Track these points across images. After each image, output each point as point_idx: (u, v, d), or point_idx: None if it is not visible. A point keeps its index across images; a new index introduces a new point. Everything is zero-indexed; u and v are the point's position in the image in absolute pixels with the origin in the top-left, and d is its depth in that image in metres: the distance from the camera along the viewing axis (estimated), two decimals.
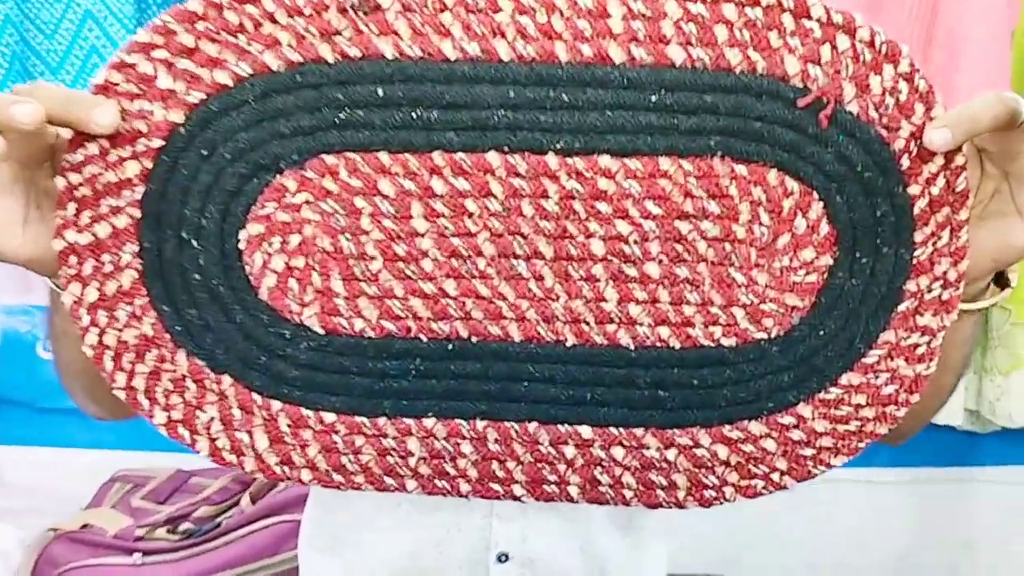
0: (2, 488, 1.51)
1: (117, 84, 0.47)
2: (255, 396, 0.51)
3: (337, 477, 0.52)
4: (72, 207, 0.48)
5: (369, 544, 0.67)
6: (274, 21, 0.47)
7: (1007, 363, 1.54)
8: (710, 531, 1.60)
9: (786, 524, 1.69)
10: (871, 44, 0.46)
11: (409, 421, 0.51)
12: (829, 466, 0.51)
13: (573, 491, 0.52)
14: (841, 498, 1.69)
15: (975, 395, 1.60)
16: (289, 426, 0.51)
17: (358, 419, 0.51)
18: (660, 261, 0.49)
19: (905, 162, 0.47)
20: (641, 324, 0.50)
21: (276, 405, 0.51)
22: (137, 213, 0.49)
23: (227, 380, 0.51)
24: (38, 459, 1.52)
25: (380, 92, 0.47)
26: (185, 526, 1.24)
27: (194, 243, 0.49)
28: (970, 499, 1.74)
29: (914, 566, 1.73)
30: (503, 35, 0.47)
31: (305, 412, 0.51)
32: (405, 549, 0.66)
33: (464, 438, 0.51)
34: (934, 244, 0.49)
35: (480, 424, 0.51)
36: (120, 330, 0.50)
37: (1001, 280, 0.54)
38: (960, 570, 1.74)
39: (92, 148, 0.47)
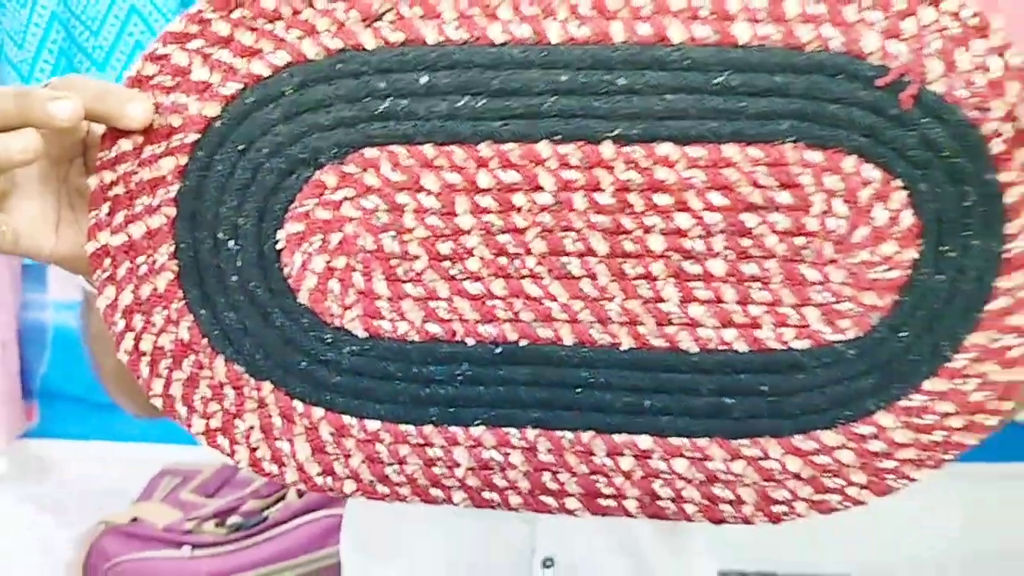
0: (53, 481, 1.53)
1: (151, 76, 0.46)
2: (296, 403, 0.49)
3: (382, 488, 0.50)
4: (106, 207, 0.47)
5: (408, 548, 0.66)
6: (312, 6, 0.45)
7: None
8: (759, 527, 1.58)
9: (846, 520, 1.67)
10: (957, 16, 0.43)
11: (456, 430, 0.48)
12: (911, 480, 0.47)
13: (631, 505, 0.49)
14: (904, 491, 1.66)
15: None
16: (332, 435, 0.49)
17: (403, 427, 0.49)
18: (725, 257, 0.46)
19: (997, 146, 0.44)
20: (704, 326, 0.46)
21: (318, 413, 0.49)
22: (172, 212, 0.47)
23: (267, 387, 0.49)
24: (88, 453, 1.54)
25: (424, 79, 0.45)
26: (233, 519, 1.25)
27: (231, 243, 0.47)
28: None
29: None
30: (554, 15, 0.45)
31: (348, 420, 0.49)
32: (447, 554, 0.65)
33: (514, 448, 0.48)
34: None
35: (531, 433, 0.48)
36: (156, 335, 0.48)
37: None
38: None
39: (126, 144, 0.46)
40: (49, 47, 1.29)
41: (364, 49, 0.45)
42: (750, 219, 0.45)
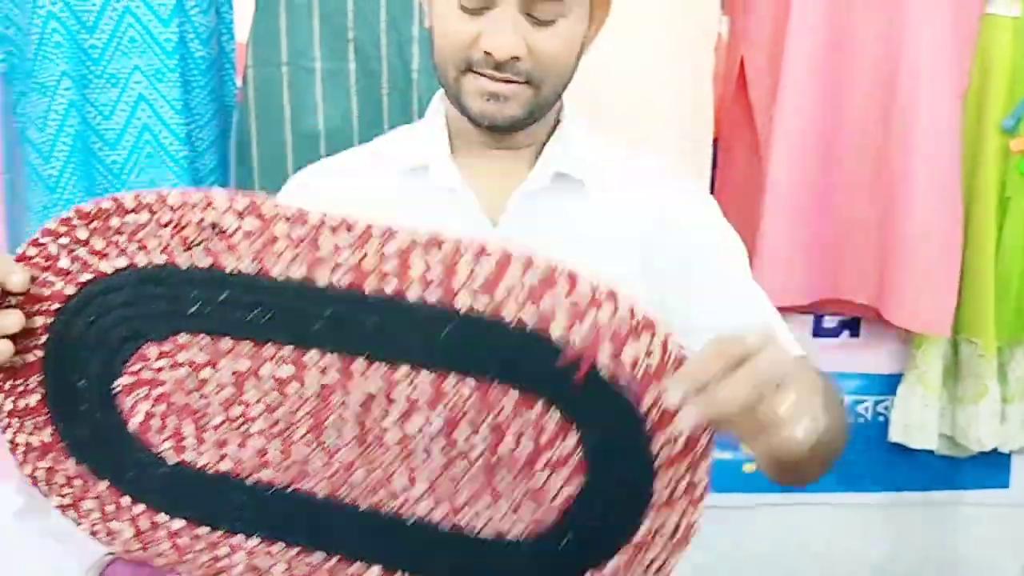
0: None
1: (32, 257, 0.62)
2: (124, 499, 0.64)
3: (182, 568, 0.65)
4: None
5: None
6: (145, 230, 0.60)
7: (975, 391, 1.65)
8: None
9: (763, 548, 1.75)
10: (632, 316, 0.53)
11: (239, 538, 0.63)
12: None
13: None
14: (821, 521, 1.76)
15: (950, 422, 1.70)
16: (149, 525, 0.64)
17: (198, 530, 0.63)
18: (444, 456, 0.58)
19: (651, 418, 0.53)
20: (419, 502, 0.59)
21: (139, 508, 0.64)
22: (40, 354, 0.63)
23: (103, 484, 0.64)
24: None
25: (224, 295, 0.59)
26: None
27: (81, 382, 0.63)
28: (952, 521, 1.82)
29: None
30: (323, 266, 0.57)
31: (160, 517, 0.64)
32: None
33: (278, 559, 0.62)
34: (671, 490, 0.54)
35: (294, 551, 0.62)
36: (29, 434, 0.65)
37: None
38: None
39: (11, 302, 0.61)
40: (67, 130, 1.38)
41: (179, 267, 0.60)
42: (460, 434, 0.57)
